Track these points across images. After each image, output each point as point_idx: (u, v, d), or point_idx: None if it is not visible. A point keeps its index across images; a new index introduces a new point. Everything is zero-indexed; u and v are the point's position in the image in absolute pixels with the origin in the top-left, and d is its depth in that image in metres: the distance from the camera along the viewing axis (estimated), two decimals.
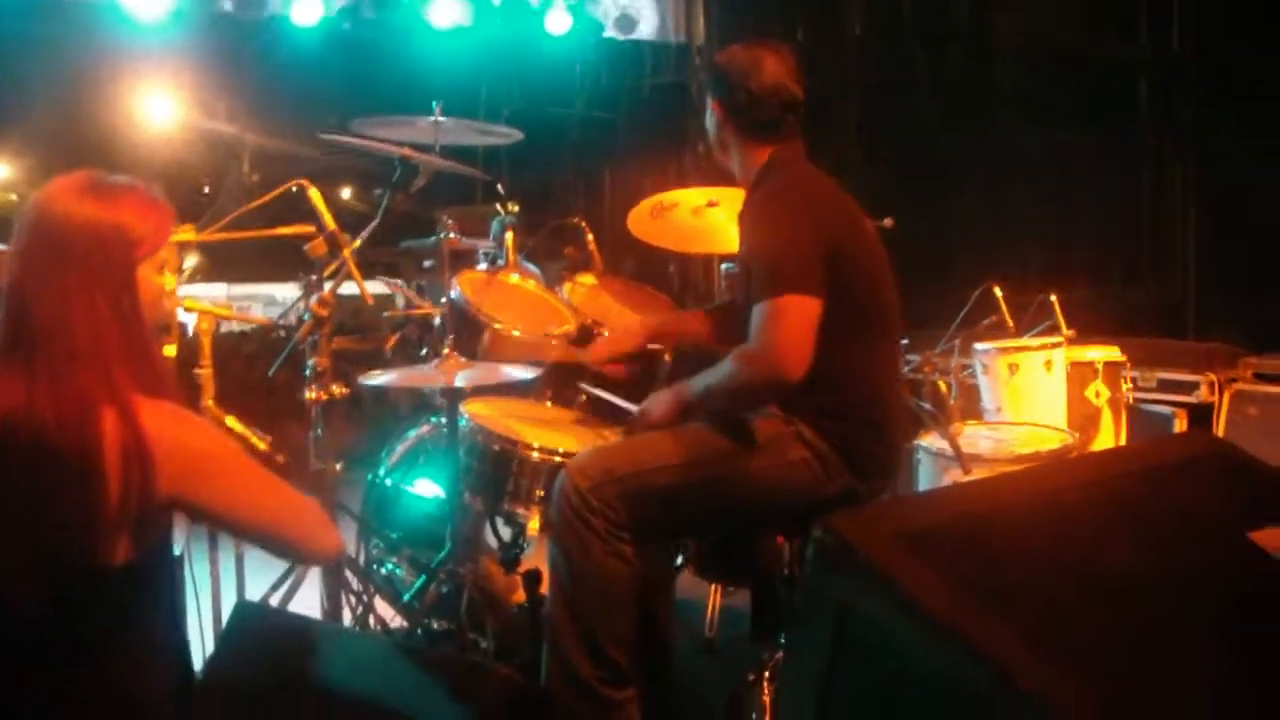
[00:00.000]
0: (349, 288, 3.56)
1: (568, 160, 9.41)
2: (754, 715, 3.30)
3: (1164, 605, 2.05)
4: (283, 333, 3.85)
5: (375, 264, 3.54)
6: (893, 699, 2.07)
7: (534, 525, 3.41)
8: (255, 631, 2.47)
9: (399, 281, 5.04)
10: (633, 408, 3.35)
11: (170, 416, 2.06)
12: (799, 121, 3.25)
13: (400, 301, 5.39)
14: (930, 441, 4.54)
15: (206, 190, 23.53)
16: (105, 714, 2.04)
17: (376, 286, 4.34)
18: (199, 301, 3.51)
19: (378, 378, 3.47)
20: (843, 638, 2.14)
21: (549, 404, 3.91)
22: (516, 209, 4.27)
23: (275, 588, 3.78)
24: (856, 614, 2.11)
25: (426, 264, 5.26)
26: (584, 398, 3.83)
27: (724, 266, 4.90)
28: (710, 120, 3.36)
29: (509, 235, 4.09)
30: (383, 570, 4.13)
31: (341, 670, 2.22)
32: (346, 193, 11.29)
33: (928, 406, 4.93)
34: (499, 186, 4.48)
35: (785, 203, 3.11)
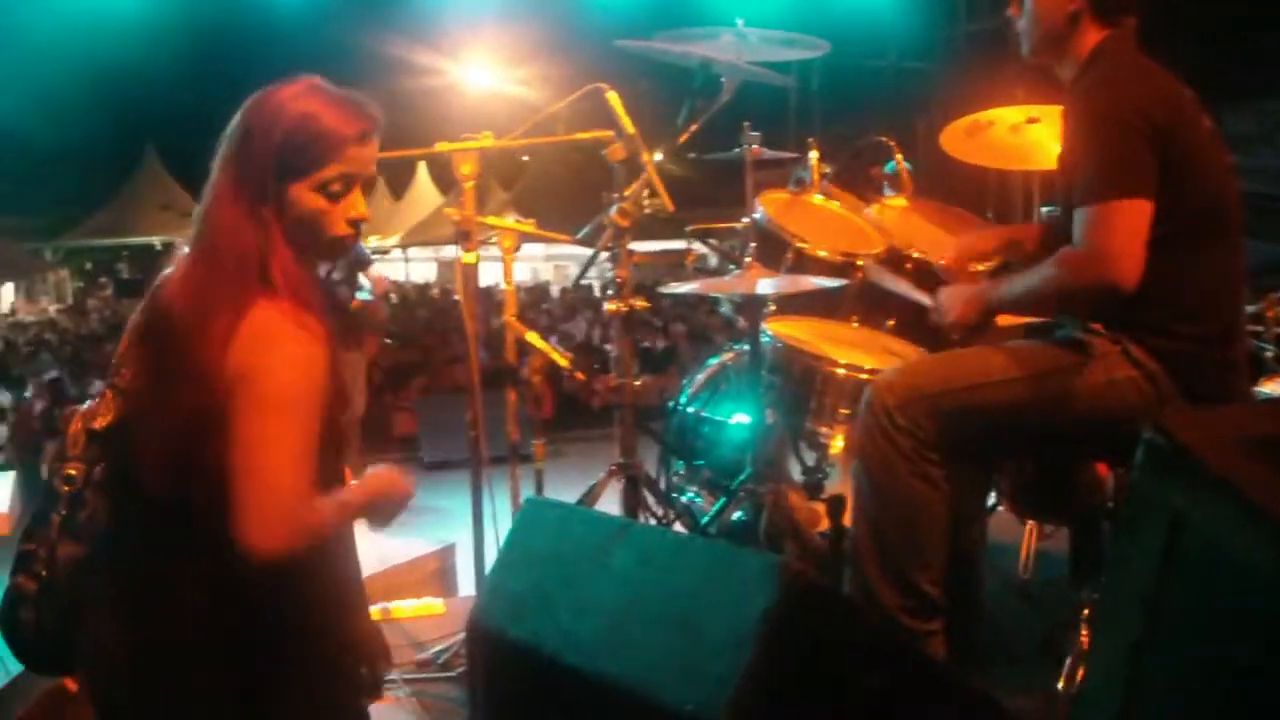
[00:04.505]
0: None
1: (880, 113, 9.23)
2: (1070, 659, 3.09)
3: None
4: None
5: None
6: (1231, 615, 1.90)
7: (837, 445, 3.32)
8: (544, 522, 2.47)
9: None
10: (926, 300, 3.17)
11: (267, 330, 1.97)
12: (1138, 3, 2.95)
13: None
14: (1273, 388, 4.20)
15: (525, 158, 24.43)
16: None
17: None
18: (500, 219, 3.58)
19: (679, 287, 3.44)
20: (1175, 548, 1.99)
21: (855, 325, 3.77)
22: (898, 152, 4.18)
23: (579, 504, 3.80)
24: (1191, 522, 1.95)
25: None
26: (892, 322, 3.68)
27: (1043, 209, 4.66)
28: (1027, 19, 3.07)
29: (813, 156, 3.97)
30: (681, 499, 4.10)
31: (632, 560, 2.18)
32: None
33: (1270, 350, 4.60)
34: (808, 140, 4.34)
35: (1110, 95, 2.82)
